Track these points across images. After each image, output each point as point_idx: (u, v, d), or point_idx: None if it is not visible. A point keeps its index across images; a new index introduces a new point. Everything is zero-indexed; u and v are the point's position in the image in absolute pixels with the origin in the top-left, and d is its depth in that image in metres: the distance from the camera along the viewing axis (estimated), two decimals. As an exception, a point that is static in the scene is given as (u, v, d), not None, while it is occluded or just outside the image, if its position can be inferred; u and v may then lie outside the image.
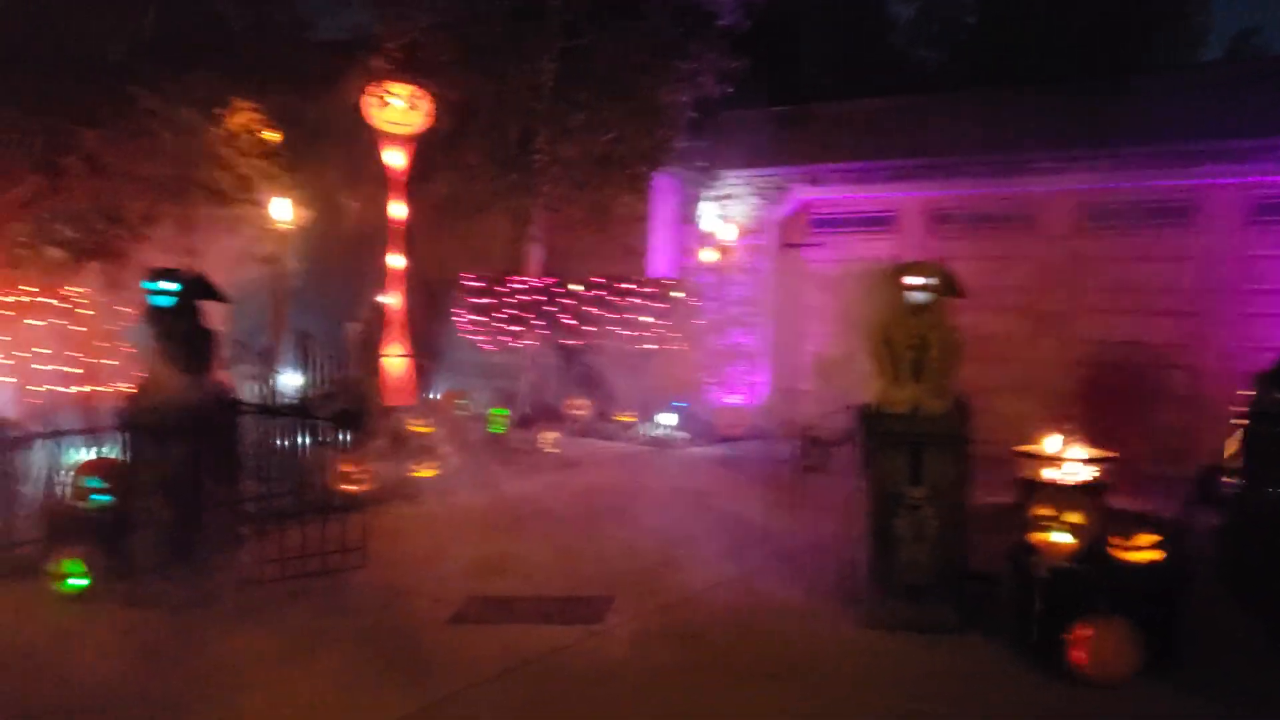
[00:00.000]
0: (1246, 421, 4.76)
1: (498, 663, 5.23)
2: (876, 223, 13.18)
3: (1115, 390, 10.88)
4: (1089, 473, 8.72)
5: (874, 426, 5.70)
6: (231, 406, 6.39)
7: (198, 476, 6.11)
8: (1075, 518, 5.30)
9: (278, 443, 7.36)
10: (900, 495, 5.61)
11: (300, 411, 7.07)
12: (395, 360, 11.72)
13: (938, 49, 20.86)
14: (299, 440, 7.74)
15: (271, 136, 11.00)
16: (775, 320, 13.60)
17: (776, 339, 13.57)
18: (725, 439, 12.57)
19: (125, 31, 9.14)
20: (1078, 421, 9.42)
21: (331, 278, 13.00)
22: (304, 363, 8.33)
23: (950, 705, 4.76)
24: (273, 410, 6.73)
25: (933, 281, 5.73)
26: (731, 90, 12.36)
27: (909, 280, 5.70)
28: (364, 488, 8.18)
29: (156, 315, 6.26)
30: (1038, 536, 5.37)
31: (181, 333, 6.26)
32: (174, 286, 6.24)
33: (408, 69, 12.11)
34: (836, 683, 5.03)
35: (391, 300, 11.97)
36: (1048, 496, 5.61)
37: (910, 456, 5.64)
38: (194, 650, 5.46)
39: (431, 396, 13.07)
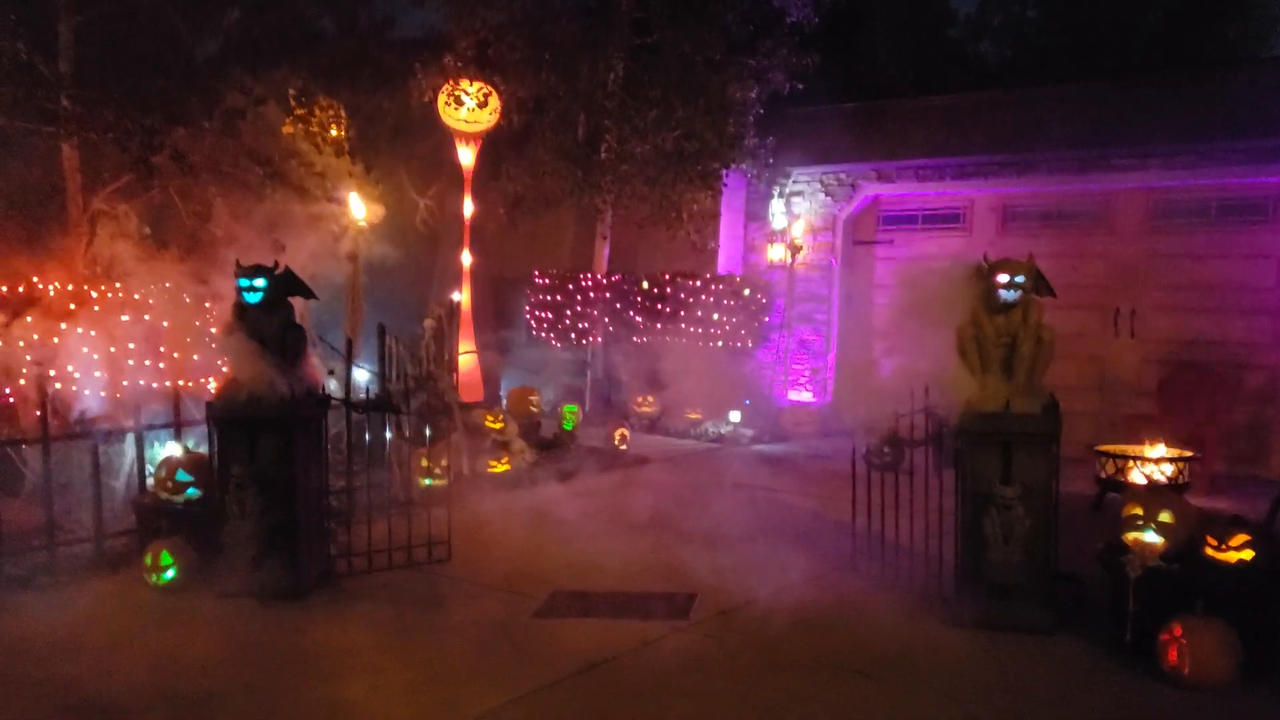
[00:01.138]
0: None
1: (585, 656, 5.28)
2: (947, 220, 13.08)
3: (1191, 390, 10.69)
4: (1168, 472, 8.63)
5: (965, 425, 5.67)
6: (322, 401, 6.51)
7: (288, 470, 6.23)
8: (1166, 517, 5.24)
9: (363, 438, 7.46)
10: (991, 494, 5.57)
11: (387, 406, 7.17)
12: (464, 357, 11.87)
13: (999, 43, 20.66)
14: (382, 435, 7.87)
15: (338, 132, 11.20)
16: (844, 318, 13.55)
17: (845, 337, 13.52)
18: (792, 437, 12.55)
19: (212, 31, 9.36)
20: (1155, 421, 9.30)
21: (404, 274, 13.19)
22: (382, 358, 8.45)
23: (1044, 706, 4.73)
24: (363, 405, 6.83)
25: (1023, 279, 5.68)
26: (801, 86, 12.34)
27: (1000, 278, 5.66)
28: (443, 482, 8.31)
29: (247, 310, 6.40)
30: (1129, 536, 5.32)
31: (272, 327, 6.40)
32: (263, 282, 6.38)
33: (479, 67, 12.27)
34: (929, 681, 5.02)
35: (461, 297, 12.12)
36: (1137, 496, 5.55)
37: (1001, 455, 5.60)
38: (288, 641, 5.58)
39: (501, 393, 13.24)
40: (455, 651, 5.40)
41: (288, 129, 10.94)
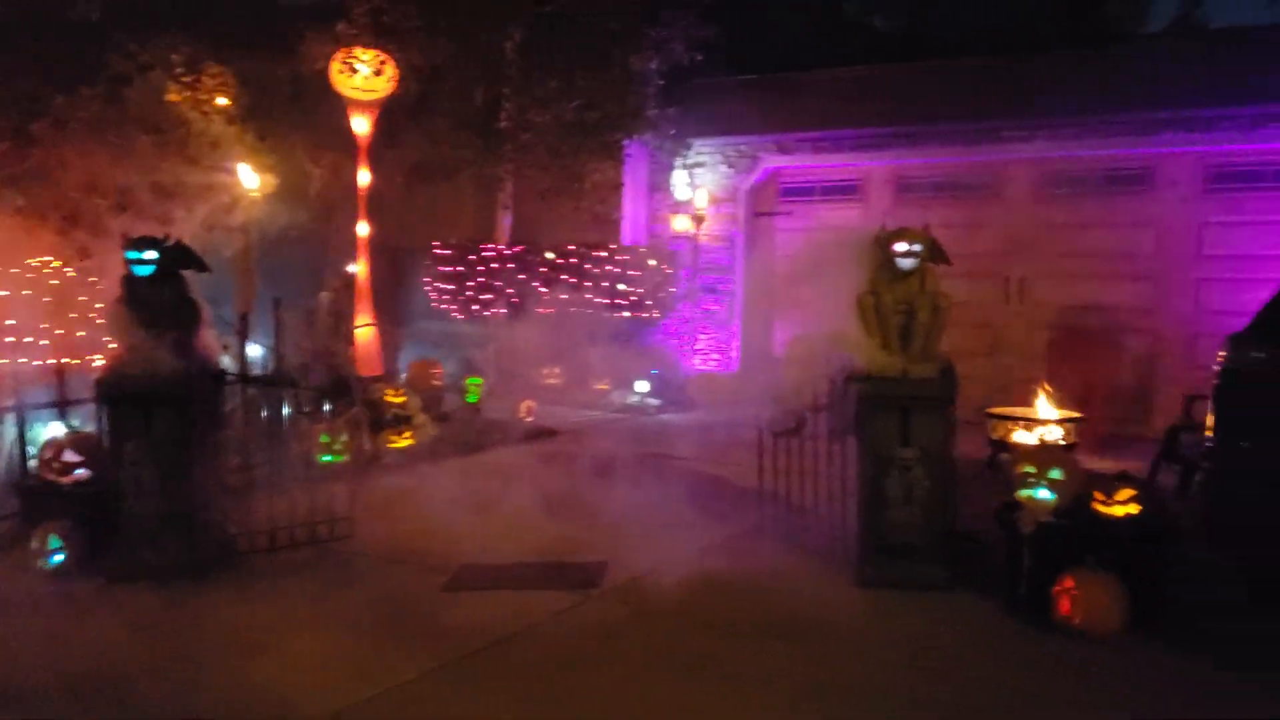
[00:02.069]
0: (1219, 381, 4.91)
1: (497, 628, 5.28)
2: (844, 191, 13.30)
3: (1077, 353, 11.11)
4: (1058, 433, 8.98)
5: (866, 391, 5.80)
6: (218, 376, 6.34)
7: (185, 447, 6.06)
8: (1057, 474, 5.44)
9: (260, 414, 7.29)
10: (892, 457, 5.72)
11: (289, 382, 7.02)
12: (362, 330, 11.66)
13: (892, 17, 20.97)
14: (280, 411, 7.69)
15: (224, 101, 10.83)
16: (747, 288, 13.70)
17: (748, 306, 13.68)
18: (699, 406, 12.67)
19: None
20: (1043, 384, 9.65)
21: (299, 246, 12.88)
22: (278, 332, 8.24)
23: (948, 661, 4.89)
24: (260, 380, 6.68)
25: (919, 248, 5.82)
26: (702, 58, 12.39)
27: (898, 247, 5.78)
28: (343, 458, 8.19)
29: (137, 284, 6.19)
30: (1022, 494, 5.51)
31: (164, 302, 6.20)
32: (154, 254, 6.17)
33: (373, 34, 11.99)
34: (839, 641, 5.14)
35: (358, 269, 11.89)
36: (1029, 455, 5.75)
37: (900, 419, 5.75)
38: (189, 620, 5.45)
39: (401, 366, 13.04)
40: (364, 626, 5.34)
41: (174, 96, 10.55)
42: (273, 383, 6.78)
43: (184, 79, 10.15)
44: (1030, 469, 5.48)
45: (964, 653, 4.99)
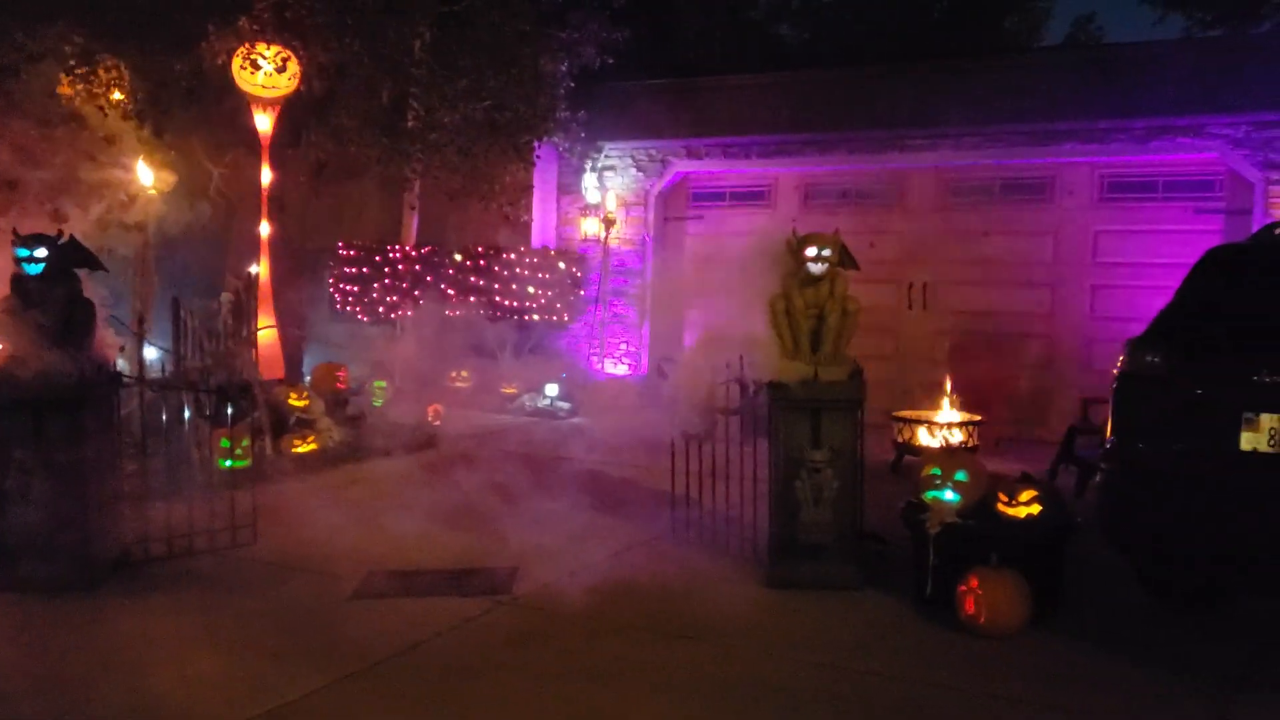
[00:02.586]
0: (1117, 384, 5.07)
1: (405, 636, 5.18)
2: (753, 197, 13.42)
3: (978, 358, 11.37)
4: (959, 435, 9.19)
5: (777, 393, 5.84)
6: (113, 379, 6.11)
7: (78, 452, 5.82)
8: (962, 476, 5.55)
9: (160, 418, 7.06)
10: (802, 459, 5.77)
11: (184, 385, 6.79)
12: (264, 332, 11.36)
13: (798, 26, 21.27)
14: (179, 415, 7.44)
15: (122, 95, 10.45)
16: (656, 292, 13.70)
17: (658, 311, 13.68)
18: (609, 410, 12.62)
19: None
20: (945, 388, 9.87)
21: (199, 246, 12.52)
22: (178, 334, 7.97)
23: (854, 657, 4.95)
24: (158, 383, 6.45)
25: (829, 253, 5.89)
26: (612, 61, 12.38)
27: (809, 251, 5.84)
28: (244, 464, 7.97)
29: (28, 283, 5.93)
30: (928, 496, 5.61)
31: (56, 301, 5.95)
32: (44, 252, 5.92)
33: (276, 30, 11.71)
34: (749, 641, 5.17)
35: (259, 269, 11.60)
36: (935, 457, 5.87)
37: (811, 421, 5.81)
38: (80, 635, 5.23)
39: (304, 370, 12.76)
40: (266, 637, 5.20)
41: (65, 89, 10.15)
42: (171, 385, 6.55)
43: (77, 71, 9.76)
44: (936, 471, 5.58)
45: (870, 650, 5.06)
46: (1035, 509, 5.37)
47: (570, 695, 4.57)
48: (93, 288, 6.26)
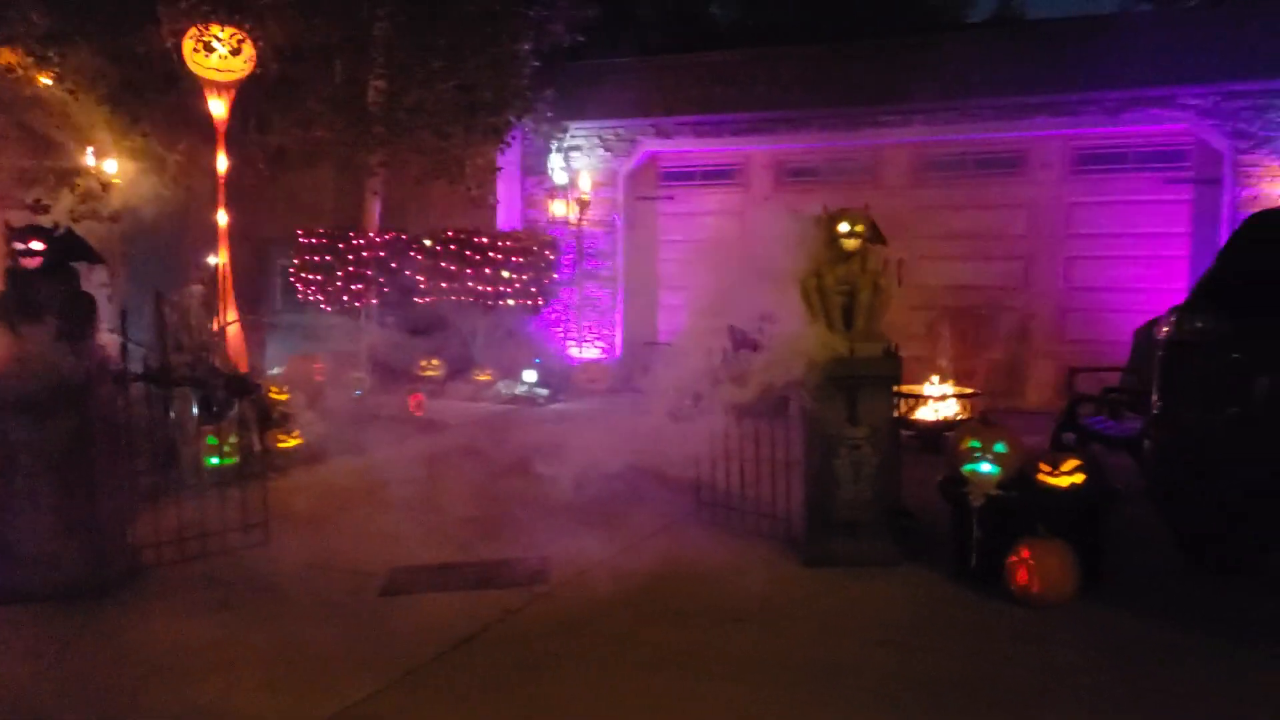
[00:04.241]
0: (1164, 351, 5.10)
1: (452, 632, 5.02)
2: (724, 175, 13.35)
3: (955, 332, 11.46)
4: (954, 408, 9.25)
5: (813, 372, 5.77)
6: (119, 377, 5.83)
7: (86, 453, 5.55)
8: (1002, 449, 5.54)
9: (149, 415, 6.77)
10: (841, 436, 5.72)
11: (198, 382, 6.52)
12: (230, 325, 11.01)
13: (725, 6, 21.09)
14: (174, 412, 7.17)
15: (48, 82, 9.98)
16: (629, 273, 13.59)
17: (631, 292, 13.57)
18: (587, 394, 12.51)
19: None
20: (926, 362, 9.92)
21: (155, 236, 12.08)
22: (159, 329, 7.67)
23: (911, 635, 4.91)
24: (167, 380, 6.17)
25: (861, 228, 5.83)
26: (583, 39, 12.18)
27: (842, 227, 5.78)
28: (233, 461, 7.73)
29: (24, 278, 5.63)
30: (967, 469, 5.59)
31: (54, 297, 5.65)
32: (41, 246, 5.62)
33: (230, 10, 11.29)
34: (802, 622, 5.11)
35: (219, 259, 11.24)
36: (972, 429, 5.85)
37: (847, 399, 5.76)
38: (106, 643, 4.99)
39: (268, 362, 12.40)
40: (305, 638, 4.99)
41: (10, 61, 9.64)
42: (179, 382, 6.28)
43: (45, 55, 9.29)
44: (975, 444, 5.55)
45: (926, 627, 5.02)
46: (1079, 478, 5.38)
47: (636, 683, 4.47)
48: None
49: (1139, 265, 11.16)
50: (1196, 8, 13.58)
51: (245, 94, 11.71)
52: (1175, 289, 10.93)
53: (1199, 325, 4.92)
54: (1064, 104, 11.05)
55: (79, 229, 7.86)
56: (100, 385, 5.65)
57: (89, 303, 5.78)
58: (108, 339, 6.63)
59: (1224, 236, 10.42)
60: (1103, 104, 10.84)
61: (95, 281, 6.14)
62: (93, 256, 5.87)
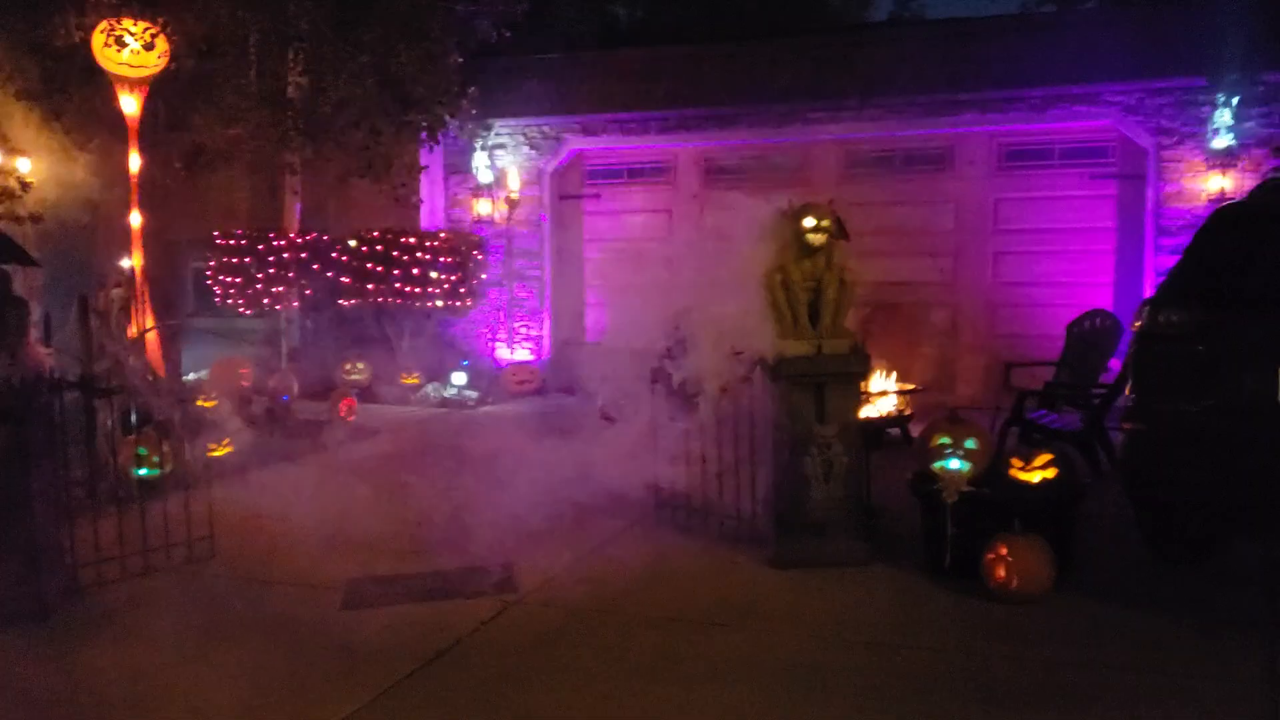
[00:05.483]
0: (1136, 344, 5.18)
1: (425, 645, 4.84)
2: (653, 173, 13.24)
3: (886, 328, 11.54)
4: (893, 403, 9.33)
5: (780, 369, 5.71)
6: (55, 385, 5.48)
7: (22, 467, 5.20)
8: (972, 445, 5.56)
9: (82, 426, 6.40)
10: (810, 435, 5.67)
11: (136, 390, 6.17)
12: (149, 330, 10.53)
13: (630, 5, 21.01)
14: (92, 422, 6.77)
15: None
16: (556, 273, 13.39)
17: (558, 292, 13.38)
18: (517, 396, 12.30)
19: None
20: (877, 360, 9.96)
21: (63, 238, 11.49)
22: (86, 335, 7.26)
23: (897, 635, 4.89)
24: (101, 390, 5.82)
25: (827, 223, 5.79)
26: (510, 35, 11.97)
27: (807, 222, 5.73)
28: (162, 471, 7.40)
29: (-51, 283, 5.25)
30: (937, 466, 5.59)
31: (-17, 302, 5.29)
32: (-35, 249, 5.26)
33: (143, 4, 10.80)
34: (784, 624, 5.05)
35: (132, 262, 10.75)
36: (942, 426, 5.84)
37: (815, 397, 5.71)
38: (58, 673, 4.66)
39: (182, 367, 11.89)
40: (272, 660, 4.75)
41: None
42: (115, 390, 5.93)
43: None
44: (946, 440, 5.55)
45: (910, 626, 5.01)
46: (1051, 473, 5.43)
47: (629, 692, 4.36)
48: None
49: (1066, 260, 11.39)
50: (1116, 5, 13.89)
51: (159, 90, 11.23)
52: (1101, 283, 11.23)
53: (1173, 319, 5.00)
54: (990, 101, 11.20)
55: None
56: (36, 395, 5.30)
57: (22, 308, 5.41)
58: (42, 347, 6.27)
59: (1149, 231, 10.74)
60: (1029, 101, 11.03)
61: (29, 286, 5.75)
62: (25, 259, 5.51)
